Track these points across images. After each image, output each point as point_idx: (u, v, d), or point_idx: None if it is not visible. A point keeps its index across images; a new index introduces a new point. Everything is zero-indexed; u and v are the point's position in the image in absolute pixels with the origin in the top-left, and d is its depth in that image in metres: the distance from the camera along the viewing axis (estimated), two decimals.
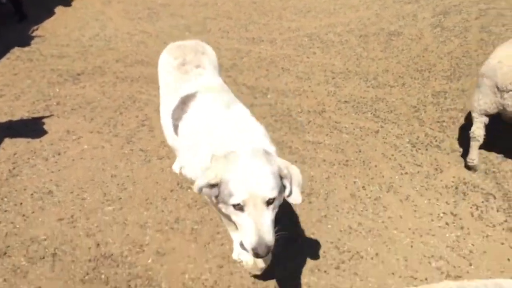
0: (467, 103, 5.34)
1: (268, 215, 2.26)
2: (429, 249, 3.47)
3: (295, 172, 2.42)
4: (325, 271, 3.32)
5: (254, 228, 2.22)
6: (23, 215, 3.58)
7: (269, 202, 2.26)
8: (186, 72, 3.27)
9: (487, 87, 3.99)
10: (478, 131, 4.17)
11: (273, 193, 2.26)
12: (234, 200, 2.24)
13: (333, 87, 5.78)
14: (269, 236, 2.23)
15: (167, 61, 3.47)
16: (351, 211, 3.85)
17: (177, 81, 3.23)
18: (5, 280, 3.06)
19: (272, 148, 2.55)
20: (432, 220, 3.74)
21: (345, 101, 5.49)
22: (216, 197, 2.37)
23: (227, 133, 2.57)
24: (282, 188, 2.39)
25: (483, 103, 4.06)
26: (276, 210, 2.35)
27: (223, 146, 2.46)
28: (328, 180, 4.21)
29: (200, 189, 2.35)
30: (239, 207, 2.25)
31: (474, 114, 4.20)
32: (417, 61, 6.32)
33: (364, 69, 6.20)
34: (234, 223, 2.39)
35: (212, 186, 2.32)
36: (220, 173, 2.30)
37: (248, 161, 2.29)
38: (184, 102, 2.99)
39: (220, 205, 2.40)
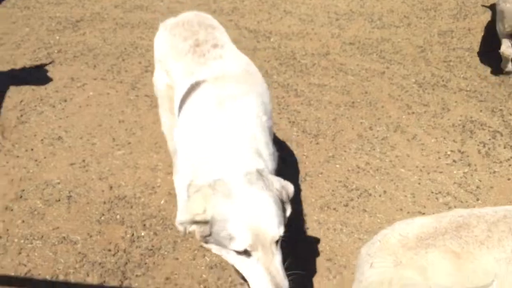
0: (474, 42, 5.27)
1: (279, 257, 1.91)
2: (437, 185, 3.54)
3: (290, 190, 2.07)
4: (334, 209, 3.39)
5: (268, 276, 1.85)
6: (35, 160, 3.61)
7: (277, 241, 1.91)
8: (203, 54, 2.73)
9: (510, 12, 4.28)
10: (508, 49, 4.49)
11: (281, 229, 1.90)
12: (238, 246, 1.83)
13: (337, 29, 5.67)
14: (286, 283, 1.89)
15: (173, 45, 2.89)
16: (358, 151, 3.88)
17: (192, 65, 2.71)
18: (23, 221, 3.13)
19: (261, 164, 2.12)
20: (440, 158, 3.79)
21: (350, 43, 5.41)
22: (206, 236, 1.93)
23: (208, 149, 2.12)
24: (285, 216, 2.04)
25: (508, 26, 4.35)
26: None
27: (204, 170, 2.04)
28: (335, 121, 4.22)
29: (184, 227, 1.94)
30: (245, 253, 1.86)
31: (500, 37, 4.53)
32: (423, 0, 6.18)
33: (368, 9, 6.06)
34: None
35: (198, 223, 1.90)
36: (211, 209, 1.87)
37: (245, 192, 1.89)
38: (189, 91, 2.53)
39: (215, 248, 1.98)
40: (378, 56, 5.16)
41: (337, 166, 3.76)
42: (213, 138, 2.16)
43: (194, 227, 1.92)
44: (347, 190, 3.53)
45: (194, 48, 2.77)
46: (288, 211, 2.07)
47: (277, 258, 1.88)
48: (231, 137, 2.17)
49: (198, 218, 1.87)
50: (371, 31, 5.63)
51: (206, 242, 1.97)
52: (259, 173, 1.98)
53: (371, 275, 2.07)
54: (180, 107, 2.57)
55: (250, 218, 1.83)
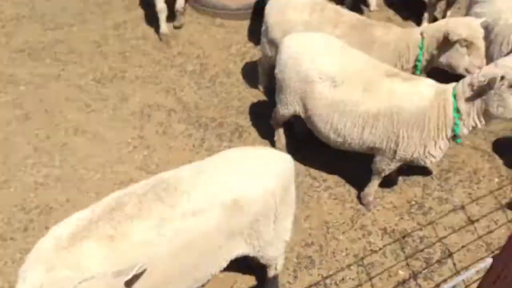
0: (146, 30, 5.40)
1: None
2: (120, 176, 3.50)
3: None
4: (11, 239, 3.00)
5: None
6: None
7: None
8: None
9: None
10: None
11: None
12: None
13: (3, 37, 5.09)
14: None
15: None
16: (35, 166, 3.54)
17: None
18: None
19: None
20: (121, 149, 3.75)
21: (20, 50, 4.92)
22: None
23: None
24: None
25: None
26: None
27: None
28: (7, 141, 3.76)
29: None
30: None
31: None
32: None
33: (38, 11, 5.62)
34: None
35: None
36: None
37: None
38: None
39: None
40: (52, 59, 4.82)
41: (12, 190, 3.35)
42: None
43: None
44: (25, 212, 3.18)
45: None
46: None
47: None
48: None
49: None
50: (43, 34, 5.23)
51: None
52: None
53: None
54: None
55: None
